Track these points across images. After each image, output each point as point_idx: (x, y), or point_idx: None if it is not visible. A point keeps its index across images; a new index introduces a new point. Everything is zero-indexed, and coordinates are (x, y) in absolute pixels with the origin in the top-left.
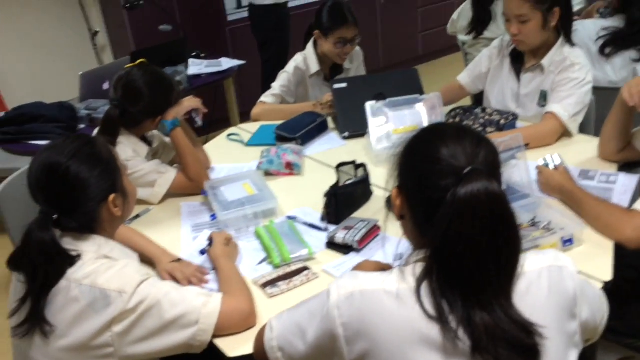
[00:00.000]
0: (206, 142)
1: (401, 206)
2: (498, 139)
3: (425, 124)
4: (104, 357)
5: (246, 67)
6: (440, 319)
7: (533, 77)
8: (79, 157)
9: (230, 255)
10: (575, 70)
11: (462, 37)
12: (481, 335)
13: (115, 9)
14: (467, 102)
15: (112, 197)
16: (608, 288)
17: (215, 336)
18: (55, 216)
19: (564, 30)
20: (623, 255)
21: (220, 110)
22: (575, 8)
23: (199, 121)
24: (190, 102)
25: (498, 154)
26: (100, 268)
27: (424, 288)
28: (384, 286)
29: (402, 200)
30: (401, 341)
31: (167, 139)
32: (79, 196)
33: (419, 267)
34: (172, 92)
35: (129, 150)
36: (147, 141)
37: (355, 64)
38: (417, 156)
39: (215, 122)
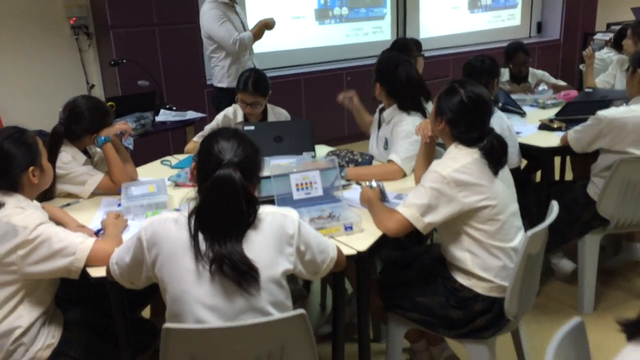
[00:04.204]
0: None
1: (194, 172)
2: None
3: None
4: (10, 273)
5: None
6: (195, 245)
7: (385, 127)
8: (10, 138)
9: (117, 225)
10: (402, 125)
11: None
12: (215, 258)
13: (111, 67)
14: None
15: (31, 168)
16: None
17: (88, 266)
18: None
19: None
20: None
21: None
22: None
23: (125, 143)
24: (121, 126)
25: (256, 152)
26: (15, 211)
27: (193, 220)
28: (171, 215)
29: (195, 169)
30: (175, 248)
31: None
32: (6, 164)
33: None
34: (107, 117)
35: (68, 156)
36: (88, 154)
37: None
38: (203, 148)
39: None
